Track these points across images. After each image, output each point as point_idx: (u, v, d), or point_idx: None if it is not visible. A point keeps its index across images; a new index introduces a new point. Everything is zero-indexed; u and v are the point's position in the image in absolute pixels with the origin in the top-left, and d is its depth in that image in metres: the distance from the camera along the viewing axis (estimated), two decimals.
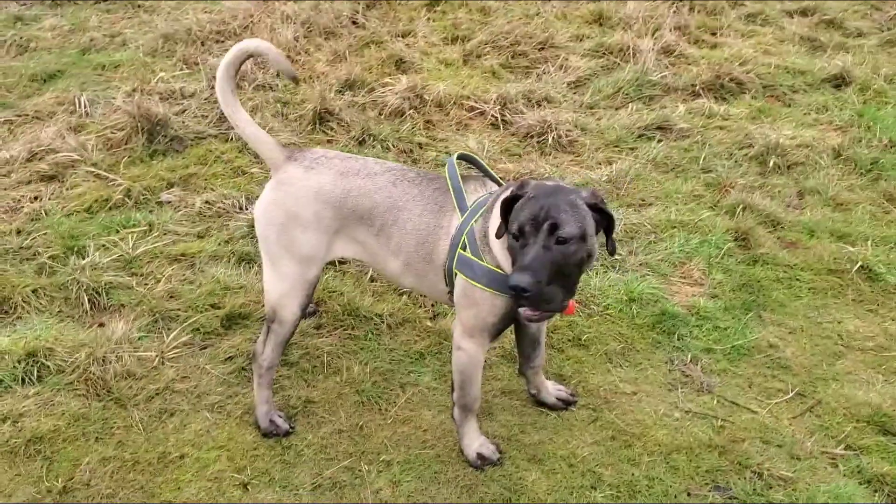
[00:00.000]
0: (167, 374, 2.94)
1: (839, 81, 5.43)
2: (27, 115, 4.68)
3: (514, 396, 2.94)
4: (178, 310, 3.24)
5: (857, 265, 3.64)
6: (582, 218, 2.19)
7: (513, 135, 4.69)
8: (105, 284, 3.31)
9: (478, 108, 4.88)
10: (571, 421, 2.84)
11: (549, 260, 2.14)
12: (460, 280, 2.43)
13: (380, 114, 4.77)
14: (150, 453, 2.64)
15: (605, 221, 2.26)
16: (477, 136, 4.64)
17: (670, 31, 5.85)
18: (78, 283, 3.27)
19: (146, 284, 3.38)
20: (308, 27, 5.71)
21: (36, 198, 3.94)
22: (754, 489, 2.57)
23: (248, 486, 2.54)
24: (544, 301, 2.18)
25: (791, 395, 2.98)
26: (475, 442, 2.64)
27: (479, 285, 2.38)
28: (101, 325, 3.14)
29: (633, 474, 2.62)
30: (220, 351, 3.07)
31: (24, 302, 3.23)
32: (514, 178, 4.10)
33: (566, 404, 2.88)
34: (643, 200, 4.15)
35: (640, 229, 3.87)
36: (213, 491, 2.52)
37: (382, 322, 3.24)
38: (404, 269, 2.56)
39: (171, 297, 3.31)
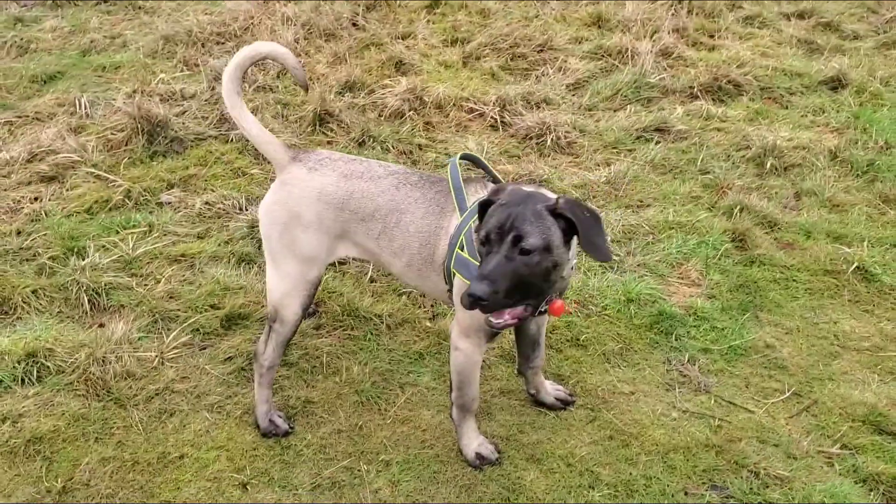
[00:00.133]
0: (167, 374, 2.95)
1: (836, 84, 5.45)
2: (27, 116, 4.70)
3: (512, 396, 2.95)
4: (178, 310, 3.25)
5: (854, 266, 3.65)
6: (546, 229, 2.17)
7: (512, 136, 4.70)
8: (105, 285, 3.32)
9: (477, 110, 4.89)
10: (570, 421, 2.85)
11: (511, 270, 2.14)
12: (458, 280, 2.44)
13: (380, 115, 4.78)
14: (150, 453, 2.65)
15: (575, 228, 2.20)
16: (476, 137, 4.65)
17: (668, 33, 5.86)
18: (78, 283, 3.28)
19: (146, 285, 3.39)
20: (308, 29, 5.73)
21: (36, 198, 3.95)
22: (751, 488, 2.58)
23: (248, 486, 2.55)
24: (503, 309, 2.19)
25: (787, 394, 2.99)
26: (474, 442, 2.65)
27: None
28: (101, 325, 3.15)
29: (630, 473, 2.63)
30: (219, 351, 3.08)
31: (24, 302, 3.24)
32: (514, 180, 4.12)
33: (564, 404, 2.89)
34: (641, 201, 4.16)
35: (638, 230, 3.88)
36: (212, 491, 2.53)
37: (382, 322, 3.25)
38: (406, 270, 2.58)
39: (170, 297, 3.32)
